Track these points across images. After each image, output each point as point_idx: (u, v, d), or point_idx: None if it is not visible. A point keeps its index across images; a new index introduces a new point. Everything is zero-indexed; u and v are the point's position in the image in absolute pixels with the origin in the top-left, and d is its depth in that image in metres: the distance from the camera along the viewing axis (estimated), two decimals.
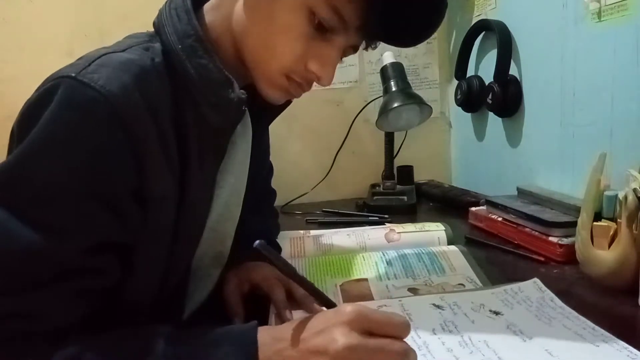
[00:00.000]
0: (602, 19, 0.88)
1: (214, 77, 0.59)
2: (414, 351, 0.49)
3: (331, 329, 0.48)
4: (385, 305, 0.67)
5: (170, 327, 0.53)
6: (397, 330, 0.49)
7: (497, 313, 0.65)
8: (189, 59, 0.59)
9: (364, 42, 0.65)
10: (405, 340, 0.49)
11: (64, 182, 0.50)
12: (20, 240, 0.49)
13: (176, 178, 0.58)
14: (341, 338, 0.47)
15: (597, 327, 0.60)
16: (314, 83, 0.65)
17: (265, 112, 0.74)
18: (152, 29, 0.63)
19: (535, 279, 0.73)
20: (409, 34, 0.66)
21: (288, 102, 0.73)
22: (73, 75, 0.51)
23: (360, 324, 0.48)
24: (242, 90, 0.61)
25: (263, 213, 0.93)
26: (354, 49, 0.65)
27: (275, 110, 0.75)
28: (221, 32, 0.63)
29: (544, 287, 0.71)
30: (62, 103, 0.50)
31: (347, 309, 0.49)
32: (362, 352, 0.47)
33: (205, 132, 0.61)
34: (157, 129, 0.55)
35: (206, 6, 0.65)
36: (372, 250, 0.91)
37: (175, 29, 0.60)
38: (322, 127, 1.45)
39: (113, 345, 0.51)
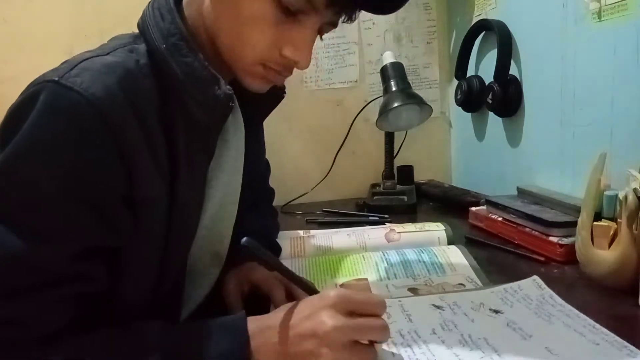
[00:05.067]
0: (602, 19, 0.88)
1: (200, 74, 0.59)
2: (388, 326, 0.54)
3: (318, 312, 0.51)
4: None
5: (162, 321, 0.54)
6: (375, 308, 0.54)
7: (496, 312, 0.65)
8: (173, 58, 0.58)
9: (343, 16, 0.62)
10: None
11: (49, 187, 0.50)
12: (5, 246, 0.49)
13: (166, 179, 0.58)
14: (329, 320, 0.50)
15: (597, 325, 0.60)
16: (297, 69, 0.64)
17: (257, 108, 0.74)
18: None
19: (535, 277, 0.73)
20: (380, 7, 0.64)
21: (280, 99, 0.73)
22: (56, 79, 0.51)
23: (343, 306, 0.52)
24: (228, 87, 0.60)
25: (262, 212, 0.92)
26: (333, 25, 0.63)
27: (267, 106, 0.75)
28: (197, 27, 0.63)
29: (543, 285, 0.71)
30: (45, 108, 0.50)
31: (331, 293, 0.53)
32: (348, 331, 0.51)
33: (194, 131, 0.61)
34: (143, 130, 0.54)
35: (184, 3, 0.64)
36: (372, 250, 0.91)
37: (159, 28, 0.60)
38: (322, 127, 1.44)
39: (107, 342, 0.52)
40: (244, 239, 0.54)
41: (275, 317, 0.54)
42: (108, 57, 0.56)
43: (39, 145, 0.50)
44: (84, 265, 0.53)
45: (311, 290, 0.58)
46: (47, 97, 0.50)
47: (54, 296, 0.51)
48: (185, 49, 0.59)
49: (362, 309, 0.53)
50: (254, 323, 0.54)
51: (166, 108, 0.58)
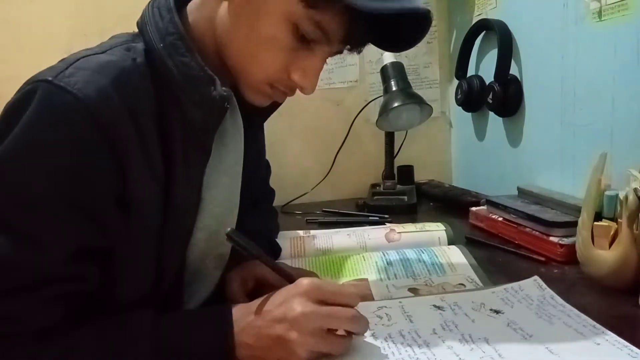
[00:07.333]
0: (602, 19, 0.88)
1: (196, 74, 0.59)
2: (364, 317, 0.56)
3: (290, 299, 0.55)
4: (385, 307, 0.67)
5: (152, 312, 0.56)
6: (347, 299, 0.57)
7: (497, 312, 0.65)
8: (170, 57, 0.58)
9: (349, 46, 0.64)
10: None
11: (42, 189, 0.50)
12: None
13: (160, 180, 0.58)
14: (298, 307, 0.54)
15: (597, 325, 0.60)
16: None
17: (257, 111, 0.74)
18: None
19: (536, 277, 0.73)
20: (394, 45, 0.68)
21: (279, 102, 0.73)
22: (50, 79, 0.51)
23: (314, 295, 0.55)
24: (224, 88, 0.60)
25: (263, 213, 0.92)
26: (339, 52, 0.65)
27: (267, 109, 0.74)
28: (204, 32, 0.63)
29: (544, 285, 0.71)
30: (39, 108, 0.50)
31: (304, 282, 0.56)
32: (315, 317, 0.54)
33: (190, 131, 0.61)
34: (137, 131, 0.54)
35: (190, 5, 0.65)
36: (372, 250, 0.91)
37: (157, 27, 0.60)
38: (322, 127, 1.44)
39: (97, 338, 0.53)
40: (228, 229, 0.58)
41: (256, 303, 0.58)
42: (104, 55, 0.56)
43: (31, 146, 0.50)
44: (77, 265, 0.53)
45: (290, 279, 0.61)
46: (40, 97, 0.50)
47: (47, 294, 0.52)
48: (183, 48, 0.59)
49: (333, 299, 0.56)
50: (238, 308, 0.58)
51: (163, 107, 0.58)
